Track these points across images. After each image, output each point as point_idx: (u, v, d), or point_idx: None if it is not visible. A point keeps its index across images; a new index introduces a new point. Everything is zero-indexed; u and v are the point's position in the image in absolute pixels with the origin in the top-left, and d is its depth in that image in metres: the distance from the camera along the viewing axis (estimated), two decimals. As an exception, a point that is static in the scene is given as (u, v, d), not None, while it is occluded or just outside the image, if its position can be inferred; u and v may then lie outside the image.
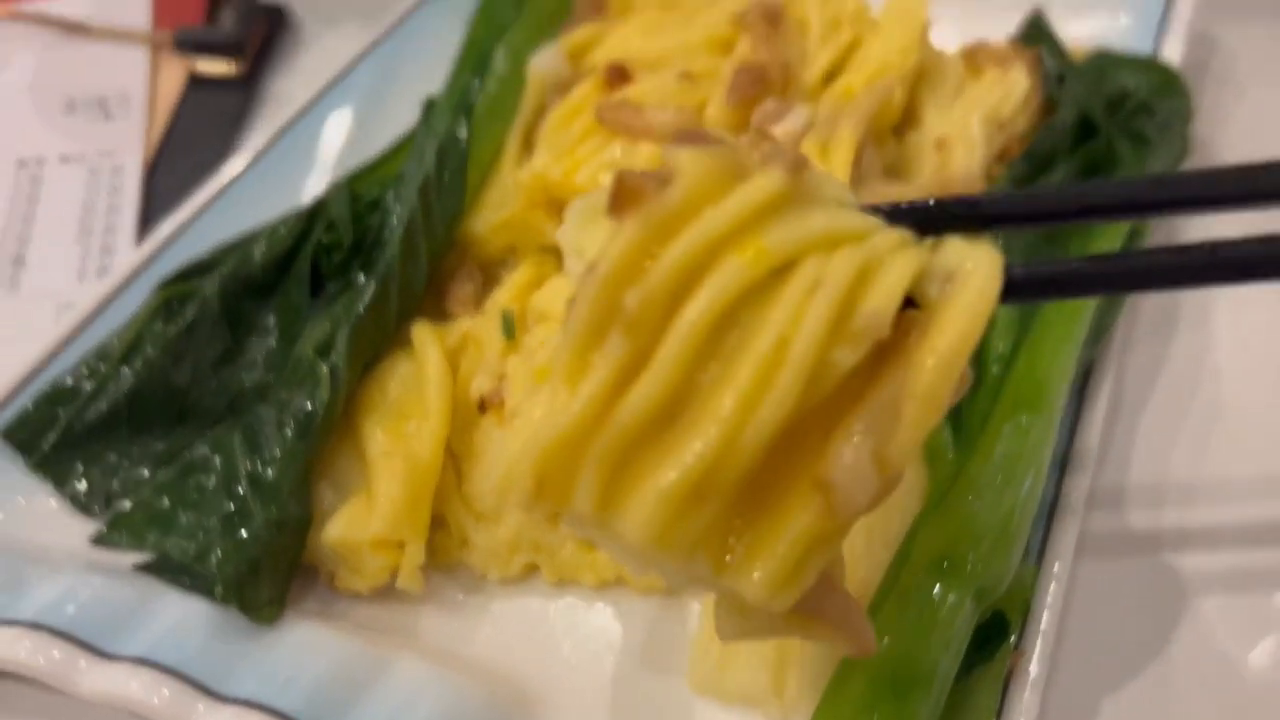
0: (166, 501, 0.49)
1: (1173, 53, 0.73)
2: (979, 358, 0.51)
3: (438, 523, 0.51)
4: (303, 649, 0.46)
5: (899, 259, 0.30)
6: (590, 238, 0.32)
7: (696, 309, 0.28)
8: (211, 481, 0.49)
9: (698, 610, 0.49)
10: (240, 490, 0.48)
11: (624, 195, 0.30)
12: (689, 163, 0.30)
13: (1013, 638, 0.44)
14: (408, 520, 0.48)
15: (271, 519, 0.47)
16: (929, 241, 0.31)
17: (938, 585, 0.43)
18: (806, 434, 0.29)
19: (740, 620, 0.32)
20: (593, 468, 0.28)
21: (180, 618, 0.46)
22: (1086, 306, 0.52)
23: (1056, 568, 0.46)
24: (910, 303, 0.30)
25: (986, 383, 0.50)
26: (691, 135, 0.31)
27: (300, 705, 0.43)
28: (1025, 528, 0.45)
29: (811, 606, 0.31)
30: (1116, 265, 0.32)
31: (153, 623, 0.46)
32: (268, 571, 0.47)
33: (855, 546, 0.47)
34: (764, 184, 0.30)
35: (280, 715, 0.42)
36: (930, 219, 0.32)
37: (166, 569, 0.48)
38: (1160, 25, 0.75)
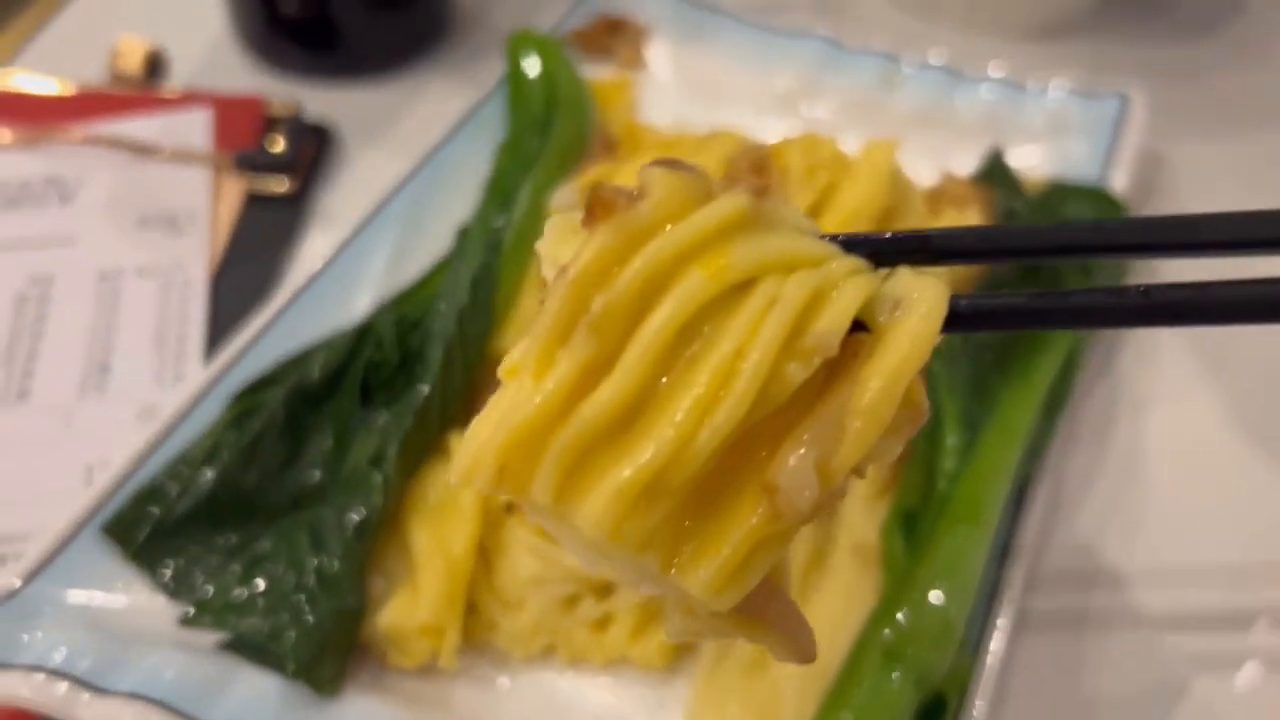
0: (242, 589, 0.58)
1: (1120, 177, 0.82)
2: (932, 474, 0.61)
3: (470, 609, 0.59)
4: (359, 717, 0.55)
5: (851, 284, 0.32)
6: (565, 248, 0.32)
7: (660, 317, 0.30)
8: (280, 572, 0.58)
9: (690, 686, 0.58)
10: (309, 582, 0.57)
11: (598, 206, 0.31)
12: (660, 181, 0.32)
13: (950, 716, 0.53)
14: (447, 610, 0.57)
15: (334, 607, 0.56)
16: (882, 271, 0.33)
17: (886, 670, 0.52)
18: (757, 443, 0.31)
19: (687, 620, 0.33)
20: (553, 460, 0.29)
21: (257, 690, 0.55)
22: (1022, 433, 0.62)
23: (992, 651, 0.56)
24: (861, 326, 0.32)
25: (935, 497, 0.59)
26: (667, 162, 0.33)
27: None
28: (960, 623, 0.54)
29: (755, 610, 0.32)
30: (1056, 302, 0.32)
31: (234, 693, 0.55)
32: (331, 651, 0.56)
33: (822, 637, 0.56)
34: (729, 205, 0.31)
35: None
36: (883, 251, 0.34)
37: (243, 647, 0.57)
38: (1109, 151, 0.85)
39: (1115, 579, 0.64)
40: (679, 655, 0.59)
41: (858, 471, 0.32)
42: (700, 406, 0.29)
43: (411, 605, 0.57)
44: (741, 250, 0.31)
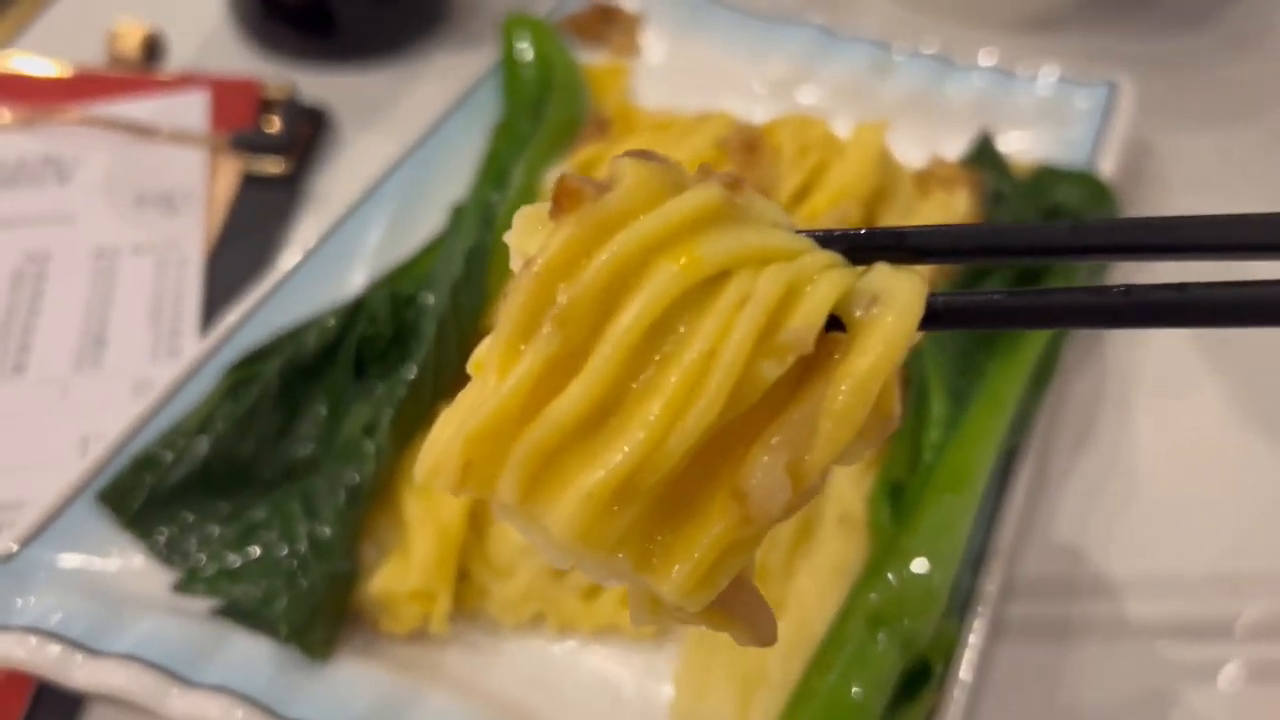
0: (236, 556, 0.59)
1: (1108, 163, 0.83)
2: (918, 446, 0.61)
3: (461, 576, 0.60)
4: (351, 681, 0.55)
5: (826, 279, 0.31)
6: (532, 240, 0.31)
7: (630, 315, 0.29)
8: (274, 539, 0.59)
9: (678, 652, 0.59)
10: (301, 548, 0.58)
11: (565, 197, 0.30)
12: (630, 171, 0.30)
13: (935, 681, 0.54)
14: (438, 576, 0.58)
15: (327, 572, 0.57)
16: (859, 268, 0.32)
17: (871, 635, 0.53)
18: (730, 443, 0.30)
19: (652, 611, 0.33)
20: (519, 461, 0.29)
21: (249, 653, 0.56)
22: (1008, 406, 0.62)
23: (978, 620, 0.56)
24: (836, 322, 0.31)
25: (921, 468, 0.60)
26: (639, 152, 0.32)
27: (349, 725, 0.52)
28: (945, 590, 0.54)
29: (722, 601, 0.31)
30: (1034, 300, 0.32)
31: (227, 657, 0.55)
32: (323, 616, 0.57)
33: (808, 605, 0.57)
34: (701, 196, 0.30)
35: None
36: (860, 247, 0.33)
37: (236, 612, 0.58)
38: (1098, 138, 0.86)
39: (1102, 551, 0.65)
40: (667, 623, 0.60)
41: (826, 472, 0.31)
42: (672, 408, 0.29)
43: (403, 571, 0.58)
44: (713, 243, 0.30)
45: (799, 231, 0.33)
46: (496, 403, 0.29)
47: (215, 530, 0.61)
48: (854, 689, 0.51)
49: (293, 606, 0.56)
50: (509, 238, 0.33)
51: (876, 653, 0.52)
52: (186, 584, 0.59)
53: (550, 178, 0.74)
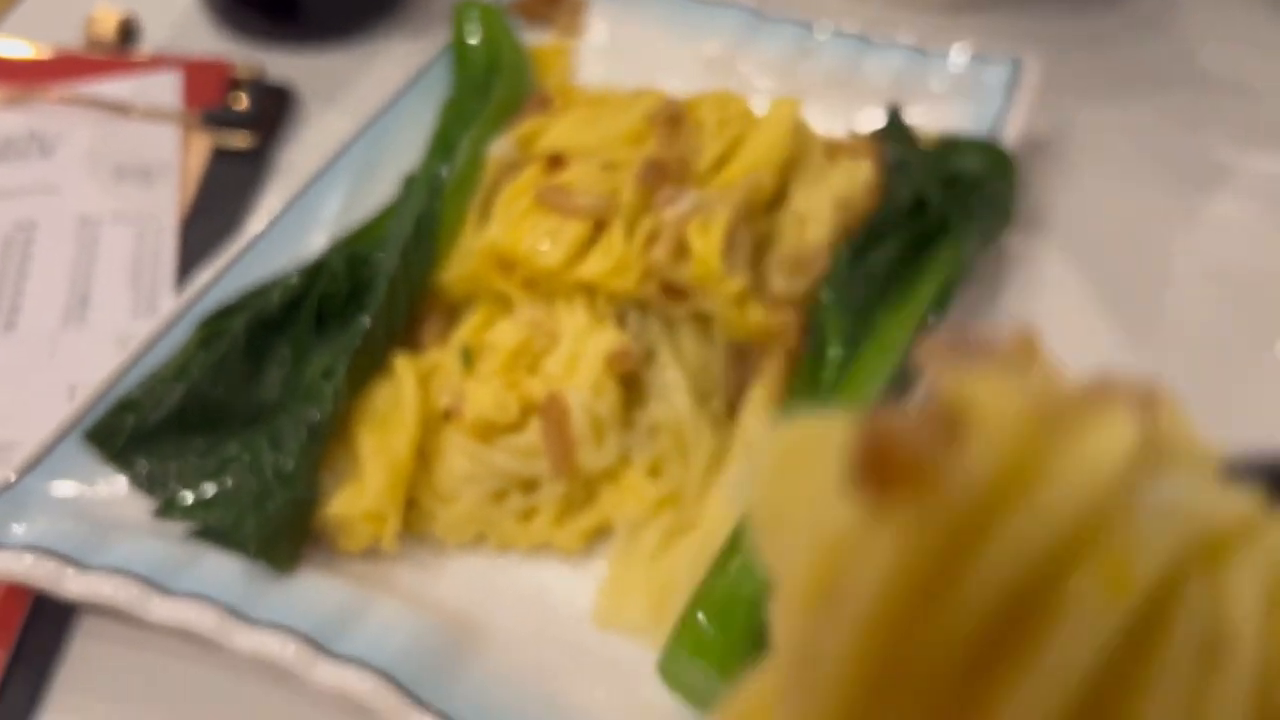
0: (210, 486, 0.67)
1: (1011, 135, 0.91)
2: (816, 382, 0.69)
3: (411, 504, 0.68)
4: (311, 590, 0.63)
5: None
6: (803, 505, 0.18)
7: (1039, 686, 0.16)
8: (244, 471, 0.66)
9: (604, 566, 0.67)
10: (268, 478, 0.65)
11: (886, 465, 0.17)
12: (994, 401, 0.17)
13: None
14: (388, 499, 0.65)
15: (290, 498, 0.65)
16: None
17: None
18: None
19: None
20: None
21: (222, 568, 0.63)
22: (898, 347, 0.70)
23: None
24: None
25: (822, 385, 0.68)
26: (959, 341, 0.18)
27: (309, 627, 0.60)
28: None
29: None
30: None
31: (202, 571, 0.63)
32: (287, 535, 0.64)
33: (716, 518, 0.65)
34: (1115, 442, 0.17)
35: (296, 633, 0.59)
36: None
37: (211, 534, 0.65)
38: (1001, 111, 0.94)
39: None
40: (594, 540, 0.68)
41: None
42: None
43: (357, 495, 0.65)
44: (1143, 537, 0.16)
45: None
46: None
47: (191, 464, 0.68)
48: (748, 586, 0.58)
49: (260, 527, 0.64)
50: (751, 489, 0.20)
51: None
52: (165, 510, 0.66)
53: (494, 148, 0.81)
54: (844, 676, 0.15)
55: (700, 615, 0.58)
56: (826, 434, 0.18)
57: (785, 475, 0.18)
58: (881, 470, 0.16)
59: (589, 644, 0.63)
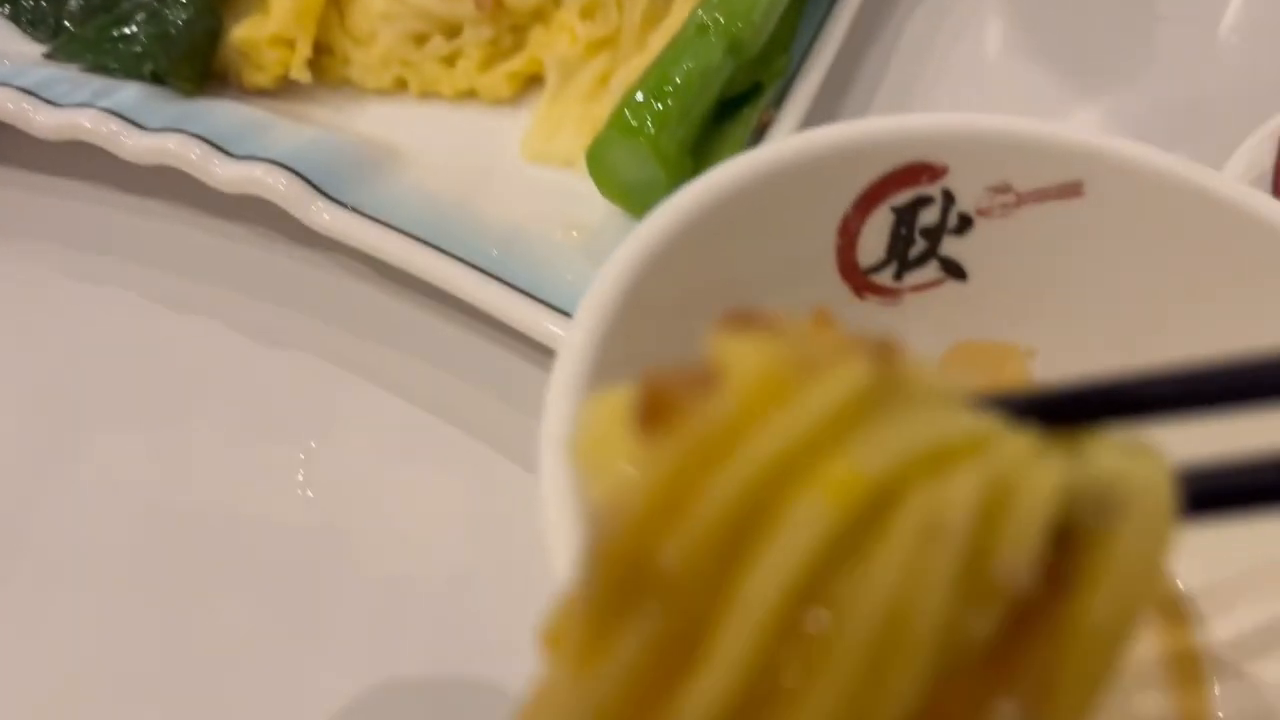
0: (101, 24, 0.61)
1: None
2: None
3: (325, 50, 0.63)
4: (217, 108, 0.58)
5: (1034, 480, 0.21)
6: (607, 475, 0.23)
7: (769, 573, 0.19)
8: (136, 10, 0.61)
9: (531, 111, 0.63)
10: (167, 12, 0.60)
11: (654, 410, 0.21)
12: (744, 359, 0.21)
13: (765, 96, 0.58)
14: (297, 23, 0.61)
15: (190, 24, 0.59)
16: (1071, 450, 0.22)
17: (699, 37, 0.56)
18: None
19: None
20: None
21: (122, 92, 0.58)
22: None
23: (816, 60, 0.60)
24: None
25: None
26: (743, 316, 0.22)
27: (210, 132, 0.55)
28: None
29: None
30: None
31: (102, 95, 0.58)
32: (187, 62, 0.59)
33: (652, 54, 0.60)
34: (845, 382, 0.20)
35: (195, 136, 0.55)
36: (1060, 412, 0.22)
37: (106, 70, 0.60)
38: None
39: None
40: (524, 87, 0.64)
41: None
42: (847, 699, 0.19)
43: (263, 21, 0.61)
44: (870, 452, 0.20)
45: (972, 399, 0.22)
46: (588, 706, 0.20)
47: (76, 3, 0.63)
48: (676, 74, 0.54)
49: (158, 54, 0.59)
50: (577, 445, 0.24)
51: (702, 46, 0.55)
52: (54, 53, 0.61)
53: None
54: (617, 566, 0.19)
55: (639, 94, 0.54)
56: (621, 398, 0.22)
57: (595, 429, 0.24)
58: (651, 416, 0.21)
59: (513, 170, 0.59)
